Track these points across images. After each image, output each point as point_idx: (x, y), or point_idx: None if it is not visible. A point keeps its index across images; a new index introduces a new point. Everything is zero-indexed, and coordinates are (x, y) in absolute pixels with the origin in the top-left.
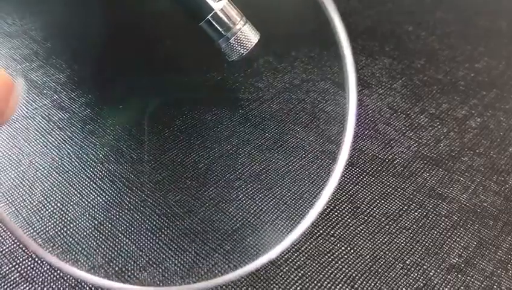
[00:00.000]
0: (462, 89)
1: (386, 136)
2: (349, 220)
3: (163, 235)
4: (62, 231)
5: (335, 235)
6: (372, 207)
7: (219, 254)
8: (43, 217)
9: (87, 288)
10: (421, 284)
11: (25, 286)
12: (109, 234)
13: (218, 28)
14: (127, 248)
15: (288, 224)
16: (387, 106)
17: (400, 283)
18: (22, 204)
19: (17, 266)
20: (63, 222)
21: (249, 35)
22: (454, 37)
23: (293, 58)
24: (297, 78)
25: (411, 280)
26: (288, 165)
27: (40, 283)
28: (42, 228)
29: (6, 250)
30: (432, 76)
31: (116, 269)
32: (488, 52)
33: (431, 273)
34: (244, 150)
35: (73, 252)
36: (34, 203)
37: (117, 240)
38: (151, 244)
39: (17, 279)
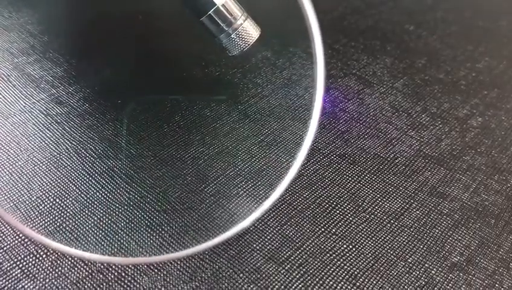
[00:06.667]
0: (463, 88)
1: (388, 135)
2: (350, 218)
3: (163, 232)
4: (61, 227)
5: (337, 233)
6: (373, 205)
7: (223, 259)
8: (42, 213)
9: (89, 285)
10: (423, 283)
11: (26, 282)
12: (109, 230)
13: (220, 22)
14: (126, 245)
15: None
16: (388, 105)
17: (401, 281)
18: (20, 199)
19: (18, 263)
20: (61, 218)
21: (250, 31)
22: (455, 37)
23: (291, 54)
24: (295, 74)
25: (413, 278)
26: (288, 162)
27: (41, 280)
28: (41, 224)
29: (8, 246)
30: (433, 75)
31: (116, 274)
32: (489, 51)
33: (433, 272)
34: (243, 146)
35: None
36: (33, 199)
37: (117, 236)
38: (151, 241)
39: (19, 275)
